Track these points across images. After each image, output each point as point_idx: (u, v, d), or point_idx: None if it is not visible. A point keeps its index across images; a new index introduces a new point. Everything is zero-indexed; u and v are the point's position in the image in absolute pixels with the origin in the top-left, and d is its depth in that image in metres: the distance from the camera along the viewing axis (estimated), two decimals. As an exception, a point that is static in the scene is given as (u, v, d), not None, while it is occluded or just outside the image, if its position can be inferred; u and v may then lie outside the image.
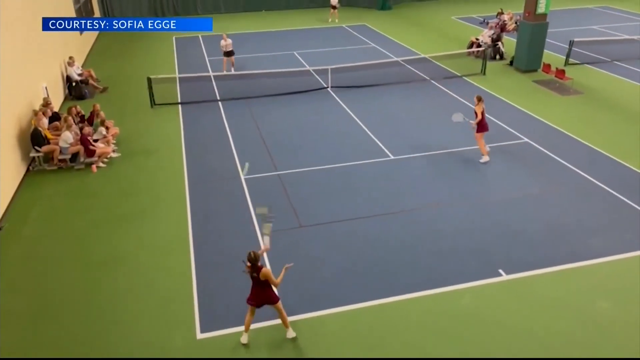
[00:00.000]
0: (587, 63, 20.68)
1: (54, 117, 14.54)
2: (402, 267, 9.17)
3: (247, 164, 10.11)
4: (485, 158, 12.80)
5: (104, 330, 7.95)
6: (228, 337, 7.74)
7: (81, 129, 13.48)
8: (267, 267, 7.43)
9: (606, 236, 9.91)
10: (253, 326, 7.76)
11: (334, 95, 17.78)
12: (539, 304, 8.29)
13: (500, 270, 9.02)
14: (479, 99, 12.58)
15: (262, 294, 7.39)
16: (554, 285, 8.69)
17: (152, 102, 17.14)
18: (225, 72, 20.29)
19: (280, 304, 7.53)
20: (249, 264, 7.22)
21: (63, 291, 8.84)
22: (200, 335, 7.79)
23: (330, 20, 29.30)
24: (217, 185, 12.14)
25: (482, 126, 12.59)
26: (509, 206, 10.98)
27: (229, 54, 20.39)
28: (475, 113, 12.51)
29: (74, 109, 14.56)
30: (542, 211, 10.78)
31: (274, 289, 7.57)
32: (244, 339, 7.58)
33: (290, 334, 7.65)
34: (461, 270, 9.06)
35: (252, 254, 7.23)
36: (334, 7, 29.19)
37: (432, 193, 11.57)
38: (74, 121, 13.97)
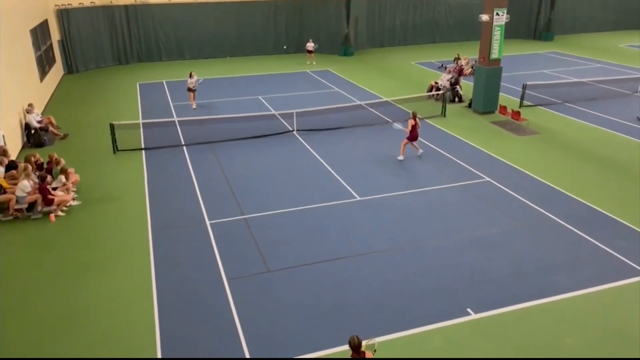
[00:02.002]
0: (540, 105, 21.67)
1: (11, 166, 14.09)
2: (370, 311, 9.08)
3: None
4: (401, 157, 15.88)
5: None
6: (193, 391, 7.42)
7: (41, 178, 13.09)
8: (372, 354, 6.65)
9: (568, 272, 10.12)
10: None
11: (300, 139, 17.96)
12: (509, 343, 8.30)
13: (469, 310, 9.04)
14: (414, 116, 15.64)
15: None
16: (521, 323, 8.75)
17: (115, 148, 16.89)
18: (193, 105, 21.80)
19: None
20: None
21: (15, 351, 8.32)
22: (163, 390, 7.44)
23: (308, 62, 30.48)
24: (181, 231, 11.90)
25: (412, 136, 15.75)
26: (474, 244, 11.14)
27: (192, 91, 21.79)
28: (411, 126, 15.63)
29: (32, 157, 14.19)
30: (506, 248, 10.96)
31: None
32: None
33: None
34: (430, 310, 9.04)
35: (354, 339, 6.44)
36: (309, 52, 30.41)
37: (398, 234, 11.63)
38: (33, 170, 13.59)
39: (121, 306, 9.33)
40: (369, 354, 6.54)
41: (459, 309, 9.05)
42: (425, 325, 8.67)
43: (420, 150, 16.17)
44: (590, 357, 5.88)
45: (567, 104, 21.74)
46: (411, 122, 15.54)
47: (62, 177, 13.65)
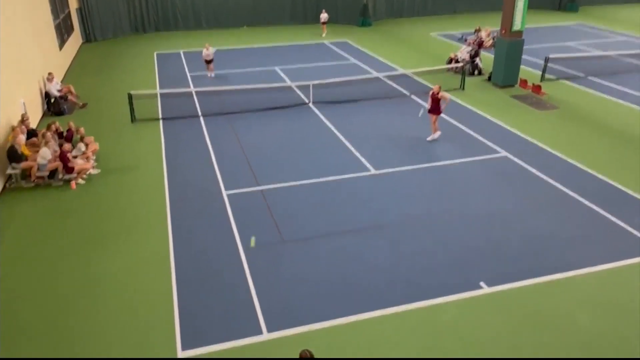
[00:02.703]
0: (563, 78, 21.20)
1: (31, 134, 14.34)
2: (384, 282, 9.19)
3: (253, 238, 10.03)
4: (435, 136, 15.19)
5: (82, 350, 7.77)
6: (210, 355, 7.65)
7: (60, 146, 13.33)
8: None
9: (584, 248, 10.08)
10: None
11: (316, 111, 17.89)
12: (521, 317, 8.36)
13: (482, 283, 9.10)
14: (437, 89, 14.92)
15: None
16: (534, 298, 8.79)
17: (133, 118, 17.03)
18: (209, 75, 21.86)
19: None
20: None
21: (38, 315, 8.62)
22: (181, 354, 7.68)
23: (323, 34, 30.03)
24: (198, 201, 12.07)
25: (431, 109, 15.07)
26: (489, 219, 11.12)
27: (209, 62, 21.68)
28: (444, 97, 14.82)
29: (53, 125, 14.40)
30: (521, 223, 10.93)
31: None
32: None
33: None
34: (443, 283, 9.12)
35: (306, 352, 6.20)
36: (323, 23, 30.03)
37: (413, 207, 11.65)
38: (53, 138, 13.82)
39: (139, 275, 9.57)
40: None
41: (472, 283, 9.12)
42: (437, 298, 8.76)
43: (435, 135, 15.16)
44: (591, 357, 5.93)
45: (590, 77, 21.24)
46: (430, 93, 15.03)
47: (82, 146, 13.86)
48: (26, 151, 13.23)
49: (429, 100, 14.93)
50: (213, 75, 22.01)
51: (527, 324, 8.23)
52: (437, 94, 14.66)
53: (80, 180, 13.06)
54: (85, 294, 9.10)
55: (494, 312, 8.48)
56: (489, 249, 10.10)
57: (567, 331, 8.07)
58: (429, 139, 14.99)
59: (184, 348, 7.78)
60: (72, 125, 14.51)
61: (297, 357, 6.24)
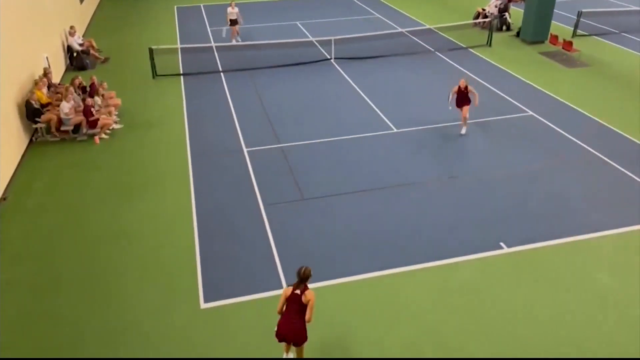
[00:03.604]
0: (595, 34, 20.33)
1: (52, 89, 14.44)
2: (404, 240, 9.22)
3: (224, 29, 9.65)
4: (463, 131, 13.02)
5: (107, 301, 8.06)
6: (231, 307, 7.86)
7: (83, 100, 13.42)
8: (313, 293, 6.26)
9: (609, 210, 9.91)
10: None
11: (337, 67, 17.59)
12: (539, 277, 8.34)
13: (502, 243, 9.07)
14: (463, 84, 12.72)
15: (292, 325, 6.22)
16: (553, 258, 8.74)
17: (154, 73, 17.00)
18: (232, 42, 20.02)
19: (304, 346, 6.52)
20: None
21: (66, 263, 8.93)
22: (203, 305, 7.91)
23: None
24: (219, 157, 12.13)
25: (458, 101, 12.93)
26: (513, 179, 10.96)
27: (233, 22, 19.99)
28: (473, 92, 12.88)
29: (76, 80, 14.46)
30: (546, 185, 10.76)
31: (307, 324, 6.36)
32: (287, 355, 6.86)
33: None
34: (463, 243, 9.11)
35: (303, 269, 6.22)
36: None
37: (435, 167, 11.54)
38: (77, 92, 13.91)
39: (163, 227, 9.77)
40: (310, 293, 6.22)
41: (492, 243, 9.08)
42: (457, 257, 8.77)
43: (464, 129, 12.96)
44: (593, 358, 5.97)
45: (624, 34, 20.32)
46: (455, 88, 12.81)
47: (98, 99, 13.75)
48: (43, 99, 13.29)
49: (451, 95, 12.88)
50: (239, 40, 20.02)
51: (544, 282, 8.21)
52: (465, 89, 12.59)
53: (103, 135, 13.21)
54: (114, 241, 9.38)
55: (512, 271, 8.47)
56: (511, 209, 10.00)
57: (583, 290, 8.03)
58: (462, 132, 12.88)
59: (206, 301, 8.00)
60: (95, 79, 14.56)
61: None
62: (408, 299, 7.95)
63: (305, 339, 6.35)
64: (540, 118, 13.66)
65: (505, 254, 8.87)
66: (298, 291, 6.19)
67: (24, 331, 7.54)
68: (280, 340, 6.39)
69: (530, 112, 13.98)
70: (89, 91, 14.37)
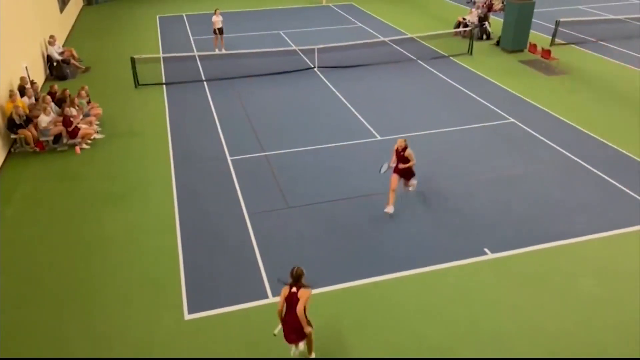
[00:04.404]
0: (573, 43, 20.74)
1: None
2: (388, 248, 9.22)
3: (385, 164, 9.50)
4: (389, 209, 10.05)
5: (90, 312, 7.90)
6: (215, 318, 7.76)
7: (62, 110, 13.22)
8: (309, 290, 6.46)
9: (590, 215, 10.05)
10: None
11: (321, 76, 17.64)
12: (523, 281, 8.40)
13: (486, 249, 9.12)
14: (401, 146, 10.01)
15: (295, 322, 6.44)
16: (539, 263, 8.82)
17: (136, 82, 16.86)
18: (216, 52, 19.91)
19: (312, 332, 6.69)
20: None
21: (48, 273, 8.75)
22: (188, 317, 7.80)
23: (324, 1, 28.99)
24: (203, 165, 12.04)
25: (397, 169, 10.16)
26: (496, 185, 11.07)
27: (218, 31, 19.92)
28: (408, 157, 10.01)
29: (51, 89, 14.30)
30: (527, 190, 10.88)
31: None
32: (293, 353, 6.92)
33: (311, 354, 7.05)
34: (447, 249, 9.14)
35: (295, 269, 6.44)
36: None
37: (418, 173, 11.57)
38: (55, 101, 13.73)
39: (146, 237, 9.64)
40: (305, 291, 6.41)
41: (476, 249, 9.14)
42: (441, 264, 8.80)
43: (411, 186, 10.52)
44: (594, 358, 6.00)
45: (602, 42, 20.77)
46: (394, 149, 10.16)
47: (72, 110, 13.40)
48: (26, 109, 13.08)
49: (394, 156, 10.23)
50: (223, 50, 19.80)
51: (528, 286, 8.27)
52: (402, 151, 9.92)
53: (84, 145, 13.04)
54: (96, 251, 9.22)
55: (497, 276, 8.52)
56: (494, 215, 10.08)
57: (568, 294, 8.11)
58: (387, 210, 9.99)
59: (190, 312, 7.88)
60: (68, 92, 14.31)
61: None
62: (394, 306, 7.94)
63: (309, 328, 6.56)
64: (521, 125, 13.85)
65: (490, 259, 8.92)
66: (294, 289, 6.39)
67: (6, 341, 7.34)
68: (289, 341, 6.60)
69: (512, 119, 14.16)
70: (68, 101, 14.16)
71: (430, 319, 7.70)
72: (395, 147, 10.08)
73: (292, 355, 6.88)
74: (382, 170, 10.24)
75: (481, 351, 7.13)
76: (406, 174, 10.20)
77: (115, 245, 9.44)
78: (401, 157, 10.01)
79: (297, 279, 6.42)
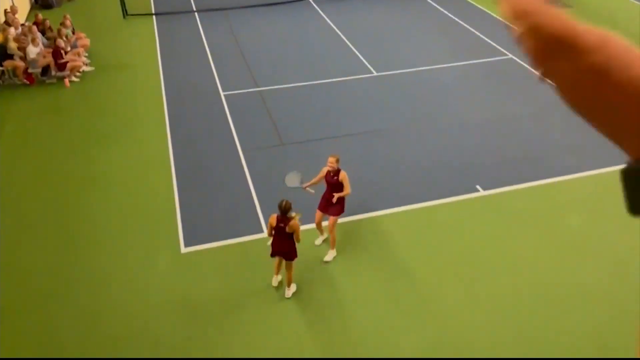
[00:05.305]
0: (578, -25, 19.97)
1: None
2: (382, 184, 9.31)
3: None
4: (319, 240, 8.01)
5: (88, 249, 8.02)
6: (211, 251, 7.93)
7: (54, 41, 12.75)
8: (298, 221, 6.72)
9: (583, 154, 10.09)
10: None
11: (316, 7, 17.05)
12: (512, 217, 8.57)
13: (478, 186, 9.24)
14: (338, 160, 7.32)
15: (283, 246, 6.84)
16: (529, 200, 8.96)
17: (124, 13, 16.25)
18: None
19: (294, 262, 7.03)
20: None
21: (42, 211, 8.79)
22: (184, 250, 7.96)
23: None
24: (196, 101, 11.87)
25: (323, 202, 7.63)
26: (490, 124, 11.03)
27: None
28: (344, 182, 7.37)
29: (44, 20, 13.77)
30: (522, 129, 10.87)
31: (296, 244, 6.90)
32: (274, 282, 7.27)
33: (293, 289, 7.20)
34: (439, 186, 9.24)
35: (284, 203, 6.63)
36: None
37: (413, 111, 11.51)
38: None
39: (140, 173, 9.65)
40: (294, 222, 6.65)
41: (468, 186, 9.24)
42: (434, 200, 8.93)
43: (321, 238, 8.01)
44: (593, 358, 6.12)
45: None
46: (324, 171, 7.46)
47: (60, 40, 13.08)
48: (13, 46, 12.67)
49: (317, 177, 7.63)
50: None
51: (517, 223, 8.46)
52: (335, 175, 7.31)
53: (74, 78, 12.75)
54: (87, 192, 9.22)
55: (487, 212, 8.68)
56: (489, 153, 10.12)
57: (556, 231, 8.31)
58: (327, 258, 7.69)
59: (186, 245, 8.04)
60: (48, 22, 13.78)
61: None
62: (386, 241, 8.12)
63: (295, 255, 6.96)
64: (519, 61, 13.61)
65: (481, 196, 9.06)
66: (282, 224, 6.65)
67: (11, 274, 7.51)
68: (272, 256, 7.01)
69: (510, 55, 13.90)
70: (56, 32, 13.65)
71: (421, 254, 7.90)
72: (327, 172, 7.29)
73: (272, 284, 7.22)
74: (290, 183, 7.55)
75: (468, 286, 7.37)
76: (333, 207, 7.34)
77: (108, 181, 9.45)
78: (332, 183, 7.27)
79: (284, 212, 6.63)
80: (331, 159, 7.18)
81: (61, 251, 7.96)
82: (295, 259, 7.03)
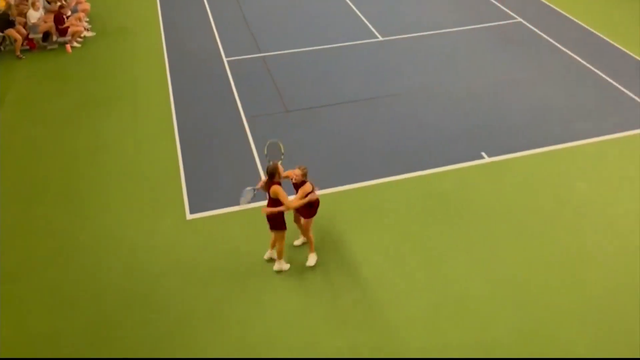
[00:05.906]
0: None
1: None
2: (387, 151, 9.25)
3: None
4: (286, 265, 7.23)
5: (93, 214, 8.08)
6: (216, 218, 7.96)
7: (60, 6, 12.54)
8: (280, 186, 6.47)
9: (591, 119, 9.97)
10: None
11: (320, -31, 16.61)
12: (518, 185, 8.52)
13: (483, 153, 9.17)
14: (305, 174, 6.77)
15: (271, 214, 6.60)
16: (536, 167, 8.88)
17: (125, -24, 15.90)
18: None
19: (284, 234, 6.70)
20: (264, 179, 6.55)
21: (48, 176, 8.82)
22: (189, 216, 8.01)
23: None
24: (198, 67, 11.73)
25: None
26: (497, 89, 10.87)
27: None
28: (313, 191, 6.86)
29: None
30: (530, 94, 10.71)
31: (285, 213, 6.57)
32: (266, 255, 7.21)
33: (282, 266, 7.03)
34: (446, 153, 9.18)
35: (271, 164, 6.47)
36: None
37: (419, 77, 11.33)
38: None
39: (144, 139, 9.62)
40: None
41: (474, 153, 9.17)
42: (439, 167, 8.88)
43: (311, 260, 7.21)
44: (594, 358, 6.10)
45: None
46: (307, 187, 6.72)
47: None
48: (13, 12, 12.48)
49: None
50: None
51: (524, 189, 8.41)
52: (300, 185, 6.76)
53: (75, 44, 12.59)
54: (91, 158, 9.22)
55: (493, 179, 8.63)
56: (494, 119, 10.01)
57: (563, 197, 8.27)
58: (308, 264, 7.18)
59: (191, 212, 8.07)
60: None
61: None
62: (392, 208, 8.11)
63: (280, 226, 6.64)
64: (528, 24, 13.31)
65: (487, 163, 8.99)
66: (267, 189, 6.50)
67: (19, 239, 7.61)
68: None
69: (519, 19, 13.58)
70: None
71: (427, 220, 7.89)
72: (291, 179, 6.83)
73: (264, 257, 7.21)
74: (244, 199, 6.87)
75: (474, 251, 7.38)
76: (303, 210, 6.93)
77: (112, 148, 9.43)
78: (298, 188, 6.82)
79: (270, 176, 6.45)
80: (297, 171, 6.68)
81: (66, 215, 8.02)
82: (284, 231, 6.64)
